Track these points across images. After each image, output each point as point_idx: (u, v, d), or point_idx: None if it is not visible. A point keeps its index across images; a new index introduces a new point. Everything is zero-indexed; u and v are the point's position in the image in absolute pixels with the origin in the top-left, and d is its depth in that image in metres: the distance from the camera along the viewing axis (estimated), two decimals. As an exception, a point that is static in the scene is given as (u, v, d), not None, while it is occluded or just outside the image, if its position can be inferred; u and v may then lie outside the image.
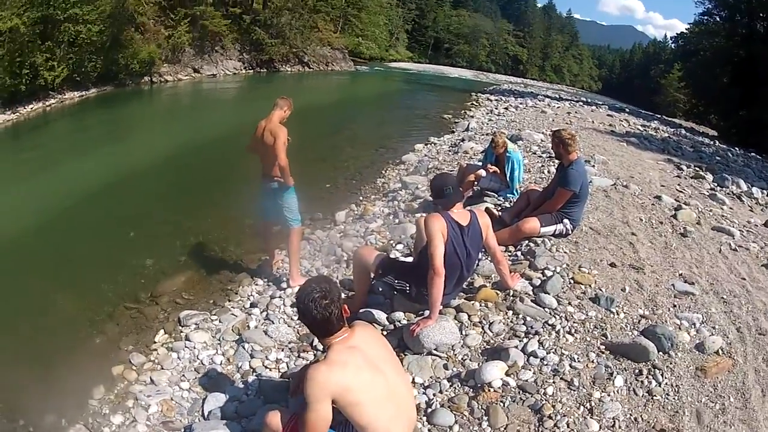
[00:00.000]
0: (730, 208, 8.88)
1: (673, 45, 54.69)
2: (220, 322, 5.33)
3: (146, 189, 9.78)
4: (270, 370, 4.55)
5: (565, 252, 5.78)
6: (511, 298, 4.92)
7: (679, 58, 46.20)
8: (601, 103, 33.52)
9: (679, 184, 10.05)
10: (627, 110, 30.85)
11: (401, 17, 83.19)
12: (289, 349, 4.86)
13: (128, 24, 21.19)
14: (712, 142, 20.81)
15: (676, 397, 3.79)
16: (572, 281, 5.17)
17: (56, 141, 13.01)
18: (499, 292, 5.00)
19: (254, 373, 4.52)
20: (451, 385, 3.91)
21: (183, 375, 4.56)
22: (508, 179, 7.89)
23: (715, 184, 10.67)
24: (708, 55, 34.81)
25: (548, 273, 5.26)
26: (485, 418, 3.53)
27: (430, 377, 4.05)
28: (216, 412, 4.01)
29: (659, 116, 33.22)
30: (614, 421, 3.51)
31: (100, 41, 17.84)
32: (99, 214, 8.31)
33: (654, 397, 3.75)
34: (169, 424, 4.00)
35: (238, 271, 6.52)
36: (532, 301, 4.83)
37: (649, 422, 3.56)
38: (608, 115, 23.16)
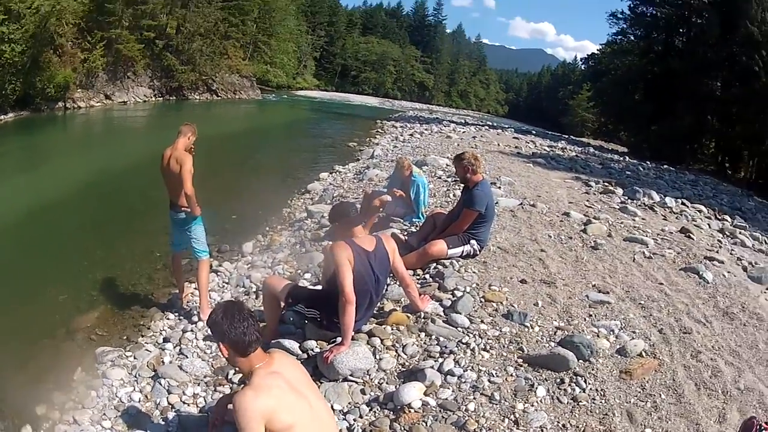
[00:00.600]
0: (643, 219, 9.47)
1: (583, 66, 59.08)
2: (135, 358, 5.38)
3: (60, 219, 10.00)
4: (188, 405, 4.59)
5: (474, 272, 5.99)
6: (423, 320, 5.04)
7: (589, 78, 49.82)
8: (507, 126, 35.23)
9: (587, 200, 10.66)
10: (533, 132, 32.70)
11: (310, 44, 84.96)
12: (205, 383, 4.89)
13: (48, 46, 21.56)
14: (621, 158, 22.31)
15: (603, 400, 3.95)
16: (483, 299, 5.37)
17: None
18: (410, 315, 5.12)
19: (173, 410, 4.54)
20: (370, 410, 4.00)
21: (104, 413, 4.55)
22: (413, 203, 8.14)
23: (626, 198, 11.35)
24: (619, 73, 37.89)
25: (458, 293, 5.45)
26: None
27: (348, 403, 4.12)
28: None
29: (567, 136, 35.37)
30: (542, 430, 3.62)
31: (21, 62, 18.09)
32: (11, 244, 8.47)
33: (580, 403, 3.90)
34: None
35: (149, 306, 6.63)
36: (444, 321, 4.98)
37: (578, 427, 3.68)
38: (514, 137, 24.40)
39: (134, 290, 7.12)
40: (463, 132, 24.09)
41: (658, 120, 31.30)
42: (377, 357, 4.55)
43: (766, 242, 9.91)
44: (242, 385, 3.07)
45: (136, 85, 32.86)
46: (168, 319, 6.27)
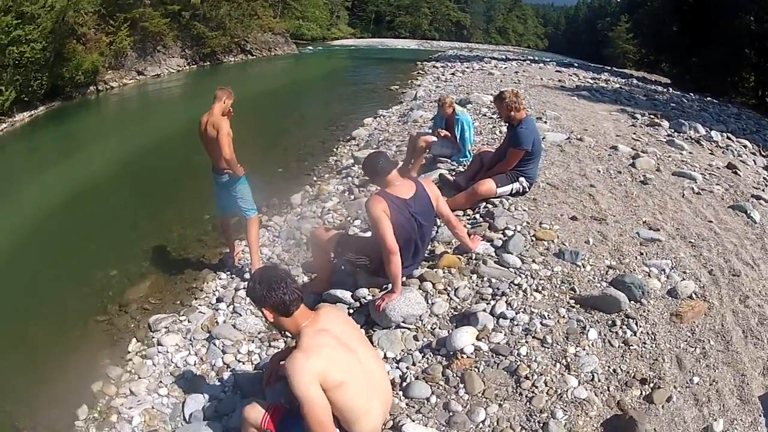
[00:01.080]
0: (690, 153, 9.09)
1: None
2: (189, 321, 5.40)
3: (104, 199, 9.83)
4: (243, 363, 4.62)
5: (524, 210, 5.83)
6: (474, 261, 4.94)
7: (625, 10, 47.88)
8: (548, 60, 34.21)
9: (634, 133, 10.24)
10: (575, 65, 31.54)
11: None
12: (260, 339, 4.90)
13: (69, 37, 21.12)
14: (665, 90, 21.40)
15: (654, 345, 3.86)
16: (534, 238, 5.21)
17: (10, 163, 12.93)
18: (461, 257, 5.02)
19: (228, 369, 4.57)
20: (423, 356, 3.96)
21: (160, 381, 4.60)
22: (459, 142, 7.92)
23: (672, 131, 10.90)
24: (655, 4, 36.11)
25: (509, 233, 5.30)
26: (461, 385, 3.56)
27: (402, 350, 4.08)
28: (197, 414, 4.07)
29: (609, 68, 34.16)
30: (593, 375, 3.56)
31: (43, 58, 17.85)
32: (59, 231, 8.31)
33: (631, 347, 3.82)
34: None
35: (201, 268, 6.60)
36: (495, 262, 4.87)
37: (628, 372, 3.62)
38: (557, 71, 23.57)
39: (185, 255, 7.11)
40: (505, 68, 23.37)
41: (696, 52, 29.79)
42: (429, 302, 4.47)
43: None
44: (294, 341, 3.01)
45: (168, 57, 31.61)
46: (220, 279, 6.28)
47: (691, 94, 19.70)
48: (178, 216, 8.41)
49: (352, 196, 7.70)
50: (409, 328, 4.25)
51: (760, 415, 3.47)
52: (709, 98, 19.89)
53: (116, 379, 4.71)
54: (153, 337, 5.25)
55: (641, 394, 3.50)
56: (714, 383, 3.63)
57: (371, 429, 3.02)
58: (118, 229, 8.13)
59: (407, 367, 3.87)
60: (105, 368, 4.86)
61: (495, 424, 3.28)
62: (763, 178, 8.43)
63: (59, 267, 6.98)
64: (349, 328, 3.14)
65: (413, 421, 3.33)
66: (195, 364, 4.76)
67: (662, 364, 3.70)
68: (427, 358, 3.93)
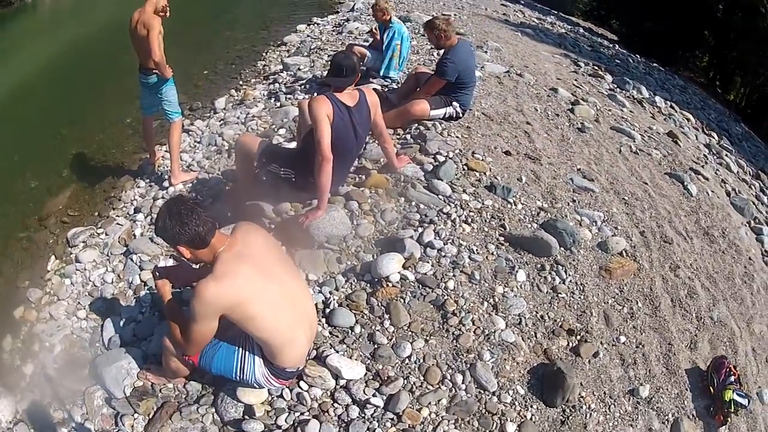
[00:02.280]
0: (631, 112, 9.33)
1: None
2: (106, 234, 5.42)
3: (25, 106, 9.56)
4: None
5: (457, 137, 5.83)
6: (403, 184, 4.92)
7: None
8: (495, -9, 34.33)
9: (576, 80, 10.39)
10: (522, 2, 31.72)
11: None
12: (172, 257, 4.78)
13: None
14: (611, 46, 21.95)
15: (582, 297, 4.02)
16: (466, 167, 5.25)
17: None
18: (389, 177, 5.00)
19: (146, 287, 4.53)
20: (346, 281, 3.97)
21: (78, 302, 4.62)
22: (385, 52, 7.82)
23: (615, 86, 11.13)
24: None
25: (440, 158, 5.29)
26: (386, 316, 3.60)
27: (324, 272, 4.08)
28: (115, 339, 4.02)
29: (556, 12, 34.70)
30: (520, 319, 3.68)
31: None
32: None
33: (559, 295, 3.97)
34: (75, 361, 4.02)
35: (120, 175, 6.65)
36: (424, 187, 4.86)
37: (556, 321, 3.77)
38: (502, 4, 23.56)
39: (105, 162, 7.11)
40: (451, -9, 23.14)
41: (652, 17, 30.88)
42: (354, 222, 4.47)
43: (750, 173, 9.92)
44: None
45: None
46: (139, 187, 6.31)
47: (638, 56, 20.29)
48: (99, 120, 8.39)
49: (278, 104, 7.61)
50: (332, 250, 4.24)
51: (686, 389, 3.72)
52: (655, 64, 20.56)
53: (36, 303, 4.77)
54: (71, 253, 5.28)
55: (568, 344, 3.66)
56: (641, 346, 3.84)
57: (296, 359, 3.03)
58: (39, 137, 8.06)
59: (330, 292, 3.85)
60: (26, 291, 4.93)
61: (421, 360, 3.35)
62: (704, 154, 8.81)
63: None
64: (269, 251, 3.07)
65: (337, 352, 3.37)
66: (112, 282, 4.74)
67: (590, 318, 3.85)
68: (351, 283, 3.92)
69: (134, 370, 3.53)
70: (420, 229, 4.33)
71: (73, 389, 3.63)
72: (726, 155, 9.82)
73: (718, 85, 29.18)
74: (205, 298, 2.64)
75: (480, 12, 17.16)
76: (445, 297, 3.69)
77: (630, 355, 3.75)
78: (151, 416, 3.24)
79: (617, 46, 22.73)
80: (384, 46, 7.80)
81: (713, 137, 11.14)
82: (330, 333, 3.54)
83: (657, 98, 11.44)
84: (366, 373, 3.29)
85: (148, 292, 4.42)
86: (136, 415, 3.26)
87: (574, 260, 4.34)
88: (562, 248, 4.38)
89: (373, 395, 3.16)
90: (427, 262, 3.98)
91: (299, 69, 8.97)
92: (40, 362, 4.07)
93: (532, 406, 3.28)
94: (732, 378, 3.88)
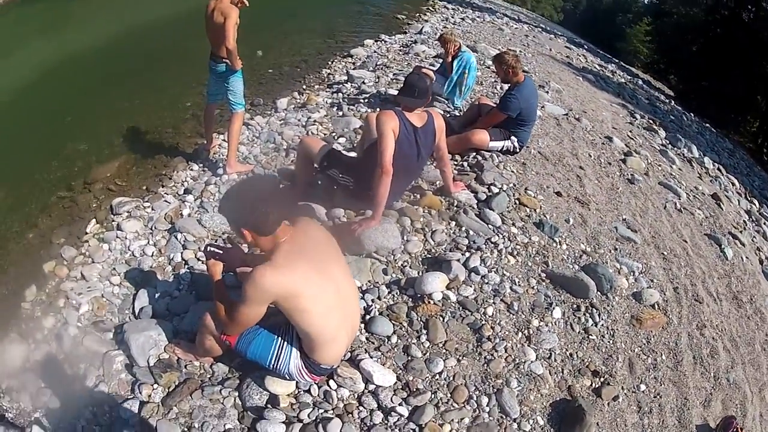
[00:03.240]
0: (680, 169, 9.27)
1: (647, 1, 58.01)
2: (153, 210, 5.32)
3: (87, 74, 9.59)
4: (203, 263, 4.47)
5: (512, 171, 5.92)
6: (455, 208, 5.01)
7: (650, 13, 48.69)
8: (560, 33, 33.98)
9: (630, 131, 10.37)
10: (585, 47, 31.48)
11: None
12: (223, 240, 4.82)
13: None
14: (668, 101, 21.73)
15: (611, 341, 4.06)
16: (518, 202, 5.32)
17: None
18: (443, 200, 5.08)
19: (186, 266, 4.49)
20: (389, 292, 4.03)
21: (114, 269, 4.53)
22: (457, 83, 7.92)
23: (668, 142, 11.06)
24: (682, 20, 36.71)
25: (494, 189, 5.39)
26: (424, 331, 3.67)
27: (368, 281, 4.14)
28: (147, 310, 4.00)
29: (617, 61, 34.43)
30: (550, 353, 3.74)
31: None
32: (37, 100, 8.23)
33: (590, 336, 4.01)
34: (100, 324, 3.94)
35: (173, 156, 6.52)
36: (476, 215, 4.95)
37: (583, 360, 3.81)
38: (566, 46, 23.50)
39: (159, 140, 7.04)
40: (516, 28, 23.13)
41: (709, 77, 30.50)
42: (405, 238, 4.53)
43: (786, 244, 9.77)
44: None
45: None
46: (191, 170, 6.23)
47: (692, 114, 20.06)
48: (159, 99, 8.33)
49: (341, 113, 7.64)
50: (380, 260, 4.30)
51: None
52: (708, 125, 20.29)
53: (69, 261, 4.66)
54: (113, 221, 5.18)
55: (591, 385, 3.70)
56: (658, 396, 3.87)
57: (333, 357, 3.06)
58: (95, 105, 8.04)
59: (372, 300, 3.91)
60: (60, 248, 4.83)
61: (451, 378, 3.40)
62: (743, 220, 8.71)
63: (31, 135, 6.98)
64: (328, 248, 3.07)
65: (371, 357, 3.43)
66: (152, 255, 4.68)
67: (615, 363, 3.90)
68: (393, 295, 3.99)
69: (162, 342, 3.54)
70: (467, 254, 4.40)
71: (93, 350, 3.61)
72: (765, 223, 9.66)
73: (765, 152, 28.56)
74: (261, 283, 2.65)
75: (544, 51, 17.15)
76: (483, 322, 3.77)
77: (647, 404, 3.77)
78: (171, 389, 3.26)
79: (673, 101, 22.44)
80: (453, 73, 7.88)
81: (755, 204, 10.97)
82: (367, 339, 3.61)
83: (706, 159, 11.32)
84: (396, 382, 3.34)
85: (188, 270, 4.42)
86: (155, 386, 3.27)
87: (608, 305, 4.38)
88: (599, 292, 4.43)
89: (399, 404, 3.20)
90: (470, 286, 4.06)
91: (363, 82, 9.02)
92: (63, 317, 4.01)
93: None
94: None
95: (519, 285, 4.18)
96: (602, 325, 4.16)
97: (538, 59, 14.51)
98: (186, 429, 3.00)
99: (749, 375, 4.76)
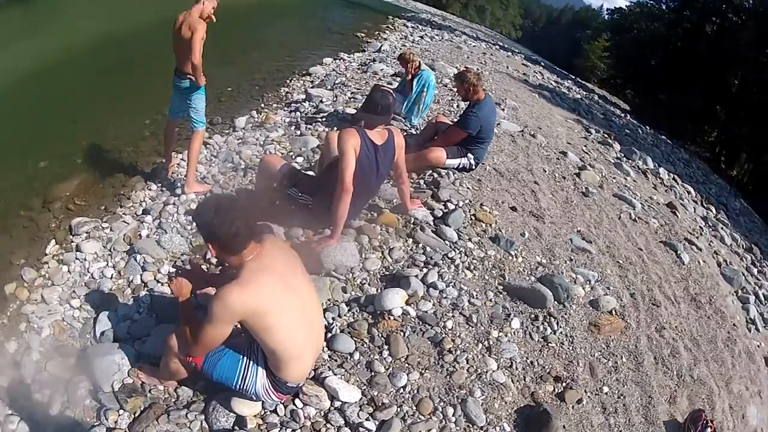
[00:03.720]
0: (634, 181, 9.56)
1: (607, 17, 60.01)
2: (111, 230, 5.31)
3: (47, 88, 9.42)
4: (162, 285, 4.54)
5: (468, 188, 6.06)
6: (412, 225, 5.13)
7: (610, 29, 50.57)
8: (517, 51, 34.85)
9: (585, 146, 10.70)
10: (542, 63, 32.29)
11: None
12: (182, 261, 4.86)
13: None
14: (623, 115, 22.37)
15: (571, 347, 4.19)
16: (474, 218, 5.46)
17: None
18: (400, 218, 5.19)
19: (146, 288, 4.51)
20: (349, 310, 4.09)
21: (73, 291, 4.53)
22: (415, 101, 8.15)
23: (622, 155, 11.41)
24: (642, 35, 38.03)
25: (451, 206, 5.53)
26: (386, 346, 3.74)
27: (328, 300, 4.18)
28: (108, 334, 3.99)
29: (573, 77, 35.34)
30: (512, 362, 3.85)
31: None
32: None
33: (549, 344, 4.14)
34: (62, 348, 3.96)
35: (132, 175, 6.51)
36: (432, 231, 5.07)
37: (544, 367, 3.93)
38: (523, 64, 24.12)
39: (118, 158, 6.99)
40: (474, 46, 23.70)
41: (667, 91, 31.54)
42: (363, 256, 4.61)
43: (743, 246, 10.12)
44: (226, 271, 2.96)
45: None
46: (150, 189, 6.21)
47: (647, 127, 20.67)
48: (119, 115, 8.27)
49: (299, 132, 7.75)
50: (338, 278, 4.36)
51: None
52: (663, 137, 20.94)
53: (30, 283, 4.63)
54: (72, 241, 5.15)
55: (554, 390, 3.82)
56: (622, 397, 4.00)
57: (299, 375, 3.10)
58: (54, 120, 7.95)
59: (333, 318, 3.97)
60: (20, 269, 4.79)
61: (415, 391, 3.48)
62: (700, 226, 9.01)
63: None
64: (294, 266, 3.11)
65: (335, 375, 3.47)
66: (112, 278, 4.68)
67: (576, 368, 4.02)
68: (353, 313, 4.05)
69: (125, 367, 3.51)
70: (425, 270, 4.49)
71: (57, 376, 3.61)
72: (721, 228, 10.02)
73: (722, 161, 29.50)
74: (228, 302, 2.68)
75: (501, 69, 17.57)
76: (443, 335, 3.85)
77: (612, 404, 3.89)
78: (137, 415, 3.24)
79: (629, 116, 23.12)
80: (413, 91, 8.10)
81: (711, 210, 11.37)
82: (329, 357, 3.65)
83: (661, 169, 11.69)
84: (361, 398, 3.38)
85: (147, 293, 4.42)
86: (121, 411, 3.25)
87: (566, 314, 4.52)
88: (556, 302, 4.56)
89: (366, 419, 3.24)
90: (429, 301, 4.15)
91: (321, 101, 9.10)
92: (25, 342, 3.99)
93: None
94: (709, 430, 4.03)
95: (477, 298, 4.29)
96: (561, 332, 4.28)
97: (495, 77, 14.87)
98: (155, 456, 2.99)
99: (713, 371, 4.93)
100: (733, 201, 15.92)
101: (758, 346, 6.10)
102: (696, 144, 30.50)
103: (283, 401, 3.27)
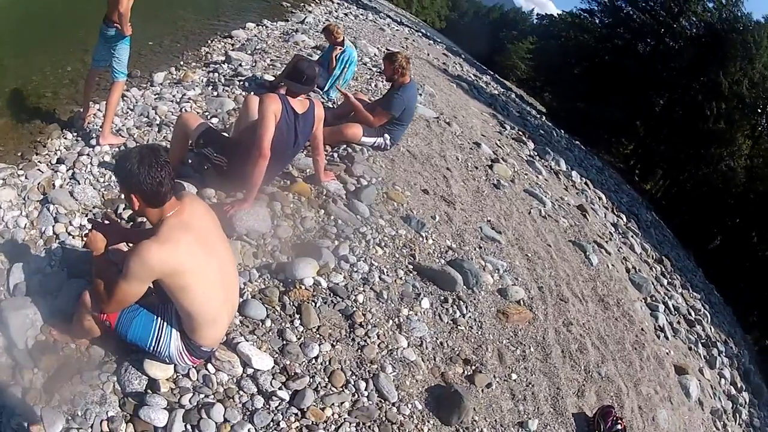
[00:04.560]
0: (546, 180, 9.95)
1: (536, 21, 62.23)
2: (26, 178, 5.16)
3: None
4: (73, 238, 4.45)
5: (381, 166, 6.18)
6: (325, 197, 5.20)
7: (537, 34, 52.40)
8: (439, 40, 35.45)
9: (499, 140, 11.04)
10: (463, 56, 32.92)
11: None
12: (93, 215, 4.73)
13: None
14: (539, 116, 23.21)
15: (479, 332, 4.36)
16: (386, 196, 5.59)
17: None
18: (312, 188, 5.24)
19: (57, 240, 4.40)
20: (260, 276, 4.10)
21: None
22: (333, 71, 8.25)
23: (536, 153, 11.82)
24: (570, 44, 39.70)
25: (363, 182, 5.68)
26: (297, 316, 3.78)
27: (239, 264, 4.15)
28: (21, 287, 3.85)
29: (492, 73, 36.27)
30: (422, 341, 3.97)
31: None
32: None
33: (458, 327, 4.30)
34: None
35: (49, 122, 6.36)
36: (345, 205, 5.17)
37: (454, 349, 4.08)
38: (444, 53, 24.53)
39: (37, 104, 6.84)
40: (398, 30, 23.94)
41: (587, 100, 32.96)
42: (275, 222, 4.63)
43: (653, 257, 10.70)
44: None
45: None
46: (66, 138, 6.08)
47: (562, 131, 21.46)
48: (41, 60, 8.08)
49: (216, 93, 7.73)
50: (250, 243, 4.38)
51: (573, 430, 4.12)
52: (578, 142, 21.80)
53: None
54: None
55: (464, 372, 3.98)
56: (531, 385, 4.21)
57: (214, 339, 3.09)
58: None
59: (244, 283, 3.96)
60: None
61: (327, 363, 3.53)
62: (609, 232, 9.48)
63: None
64: (213, 226, 3.11)
65: (248, 341, 3.47)
66: (25, 228, 4.55)
67: (485, 352, 4.19)
68: (264, 279, 4.07)
69: (39, 323, 3.43)
70: (336, 242, 4.57)
71: None
72: (632, 236, 10.56)
73: (637, 173, 31.06)
74: (146, 258, 2.64)
75: (422, 56, 17.83)
76: (354, 309, 3.93)
77: (520, 392, 4.09)
78: (51, 374, 3.18)
79: (544, 117, 23.92)
80: (336, 66, 8.19)
81: (622, 218, 11.94)
82: (241, 322, 3.65)
83: (574, 173, 12.17)
84: (274, 366, 3.40)
85: (59, 245, 4.32)
86: (36, 370, 3.19)
87: (474, 299, 4.69)
88: (465, 286, 4.74)
89: (279, 388, 3.26)
90: (340, 273, 4.22)
91: (240, 65, 9.09)
92: None
93: (428, 421, 3.52)
94: (619, 427, 4.28)
95: (387, 275, 4.39)
96: (470, 317, 4.45)
97: (415, 62, 15.02)
98: (70, 417, 2.93)
99: (621, 371, 5.23)
100: (644, 213, 16.80)
101: (667, 353, 6.49)
102: (611, 154, 31.97)
103: (195, 365, 3.25)
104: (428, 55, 19.13)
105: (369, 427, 3.28)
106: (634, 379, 5.36)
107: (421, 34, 29.22)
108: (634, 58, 33.58)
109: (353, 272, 4.30)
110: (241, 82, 8.05)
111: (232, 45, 11.49)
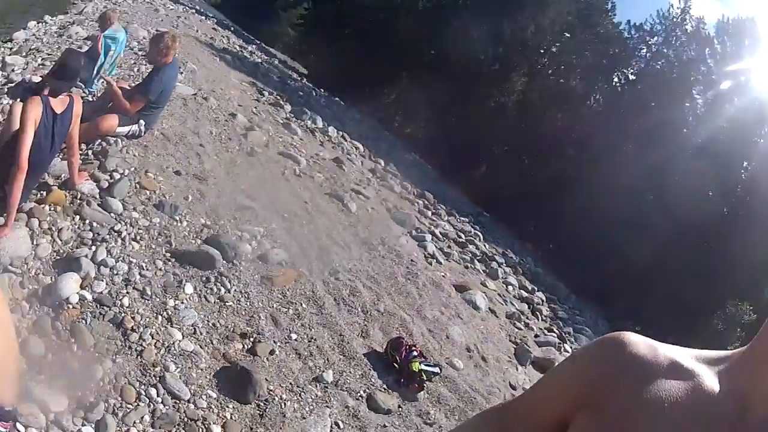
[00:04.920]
0: (301, 139, 9.95)
1: None
2: None
3: None
4: None
5: (134, 155, 5.72)
6: (79, 201, 4.69)
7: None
8: (211, 15, 33.95)
9: (255, 108, 10.80)
10: (232, 29, 31.84)
11: None
12: None
13: None
14: (300, 79, 23.16)
15: (248, 303, 4.33)
16: (138, 186, 5.19)
17: None
18: (67, 194, 4.70)
19: None
20: (30, 307, 3.61)
21: None
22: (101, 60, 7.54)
23: (292, 115, 11.75)
24: (346, 7, 38.52)
25: (116, 176, 5.18)
26: (72, 339, 3.43)
27: (9, 299, 3.62)
28: None
29: (259, 42, 35.36)
30: (194, 329, 3.84)
31: None
32: None
33: (226, 303, 4.22)
34: None
35: None
36: (99, 205, 4.70)
37: (227, 327, 4.01)
38: (213, 28, 23.48)
39: None
40: (172, 9, 22.49)
41: (351, 58, 32.64)
42: (35, 242, 4.12)
43: (414, 193, 11.14)
44: None
45: None
46: None
47: (323, 90, 21.57)
48: None
49: None
50: (15, 272, 3.82)
51: (369, 369, 4.22)
52: (337, 99, 22.03)
53: None
54: None
55: (243, 347, 3.93)
56: (313, 340, 4.27)
57: (9, 396, 2.66)
58: None
59: (18, 320, 3.50)
60: None
61: (114, 380, 3.27)
62: (367, 178, 9.74)
63: None
64: None
65: (38, 383, 3.09)
66: None
67: (258, 321, 4.18)
68: (35, 310, 3.62)
69: None
70: (93, 248, 4.19)
71: None
72: (391, 178, 10.90)
73: (396, 120, 31.77)
74: None
75: (191, 33, 17.01)
76: (123, 314, 3.68)
77: (305, 349, 4.14)
78: None
79: (305, 79, 23.88)
80: (101, 53, 7.50)
81: (380, 163, 12.29)
82: (26, 364, 3.24)
83: (330, 128, 12.26)
84: (69, 403, 3.09)
85: None
86: None
87: (237, 272, 4.61)
88: (225, 261, 4.62)
89: (83, 424, 3.00)
90: (102, 280, 3.90)
91: (13, 70, 8.01)
92: None
93: (228, 407, 3.44)
94: (415, 353, 4.45)
95: (147, 269, 4.16)
96: (235, 290, 4.38)
97: (182, 41, 14.30)
98: None
99: (400, 302, 5.44)
100: (404, 154, 17.41)
101: (443, 276, 6.79)
102: (372, 106, 32.35)
103: (7, 429, 2.82)
104: (197, 31, 18.29)
105: (176, 432, 3.10)
106: (415, 306, 5.58)
107: (194, 11, 27.83)
108: (413, 15, 33.22)
109: (114, 275, 4.00)
110: (10, 90, 7.06)
111: (11, 49, 9.96)
